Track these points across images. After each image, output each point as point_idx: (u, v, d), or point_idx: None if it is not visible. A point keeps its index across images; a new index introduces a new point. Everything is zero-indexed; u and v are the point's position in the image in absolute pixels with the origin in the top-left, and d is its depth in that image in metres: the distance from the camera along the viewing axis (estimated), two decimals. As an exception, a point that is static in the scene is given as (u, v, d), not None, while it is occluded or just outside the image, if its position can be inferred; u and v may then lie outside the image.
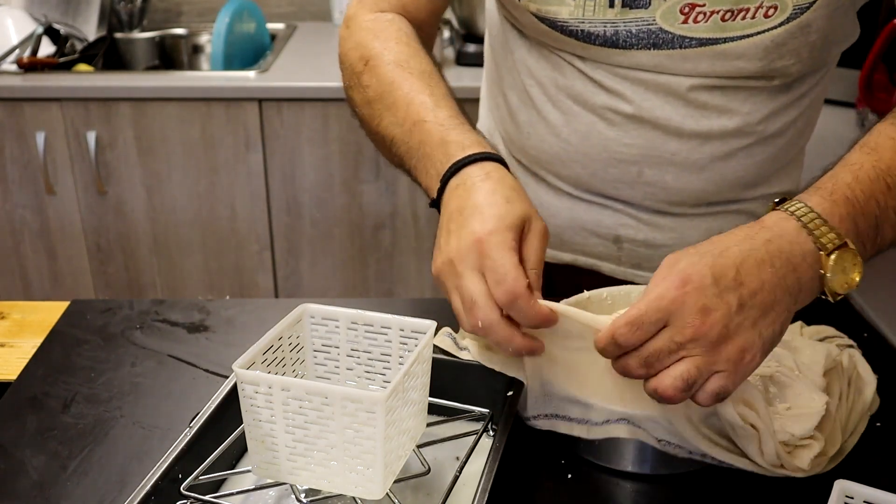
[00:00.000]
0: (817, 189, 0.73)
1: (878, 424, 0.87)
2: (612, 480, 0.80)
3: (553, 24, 0.90)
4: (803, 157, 1.06)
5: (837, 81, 1.86)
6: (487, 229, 0.71)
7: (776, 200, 0.73)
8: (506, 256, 0.70)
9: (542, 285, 0.74)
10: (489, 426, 0.81)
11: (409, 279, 2.36)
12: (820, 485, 0.76)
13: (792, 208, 0.71)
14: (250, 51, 2.40)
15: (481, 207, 0.73)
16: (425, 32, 1.00)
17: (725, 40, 0.86)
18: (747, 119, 0.92)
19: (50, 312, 1.07)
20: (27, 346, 1.01)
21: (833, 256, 0.69)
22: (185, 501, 0.69)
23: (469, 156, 0.78)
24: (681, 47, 0.87)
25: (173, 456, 0.71)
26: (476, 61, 2.15)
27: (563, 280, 0.99)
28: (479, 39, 2.18)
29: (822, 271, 0.69)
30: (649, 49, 0.88)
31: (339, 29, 1.02)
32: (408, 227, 2.28)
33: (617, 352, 0.68)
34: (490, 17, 1.07)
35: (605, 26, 0.88)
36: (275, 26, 2.59)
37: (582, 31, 0.89)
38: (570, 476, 0.80)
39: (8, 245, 2.29)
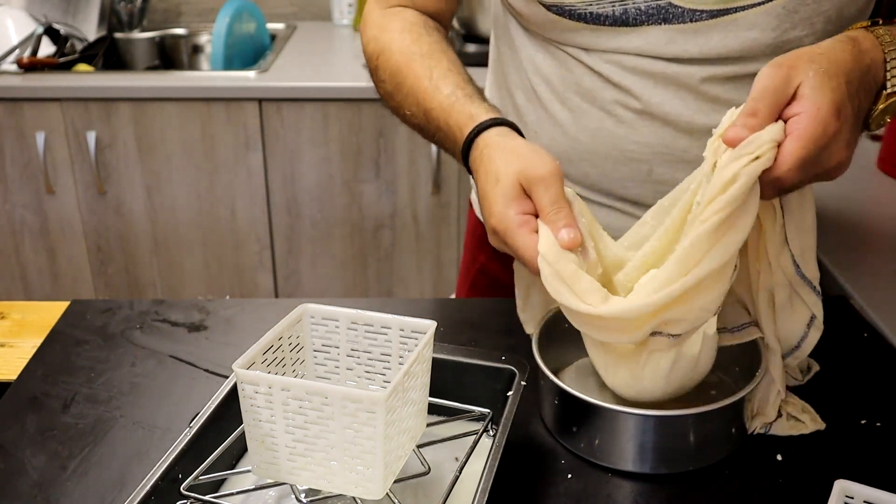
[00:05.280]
0: None
1: (879, 424, 0.87)
2: (612, 480, 0.80)
3: (561, 10, 0.90)
4: None
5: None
6: (495, 218, 0.79)
7: (872, 22, 0.79)
8: (516, 239, 0.77)
9: (569, 215, 0.77)
10: (489, 426, 0.81)
11: (409, 279, 2.36)
12: (820, 485, 0.76)
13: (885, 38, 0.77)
14: (250, 51, 2.40)
15: (484, 195, 0.81)
16: (440, 23, 1.04)
17: (736, 10, 0.86)
18: None
19: (50, 312, 1.07)
20: (27, 346, 1.01)
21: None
22: (185, 501, 0.69)
23: (467, 137, 0.85)
24: (691, 20, 0.86)
25: (173, 456, 0.71)
26: (476, 61, 2.13)
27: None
28: (479, 39, 2.18)
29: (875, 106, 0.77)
30: (660, 24, 0.87)
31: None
32: (408, 227, 2.28)
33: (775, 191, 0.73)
34: (495, 17, 1.07)
35: (613, 6, 0.87)
36: (275, 26, 2.59)
37: (590, 13, 0.88)
38: (570, 476, 0.80)
39: (8, 245, 2.29)
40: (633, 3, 0.87)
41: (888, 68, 0.76)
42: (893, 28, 0.79)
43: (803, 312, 0.82)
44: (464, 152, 0.86)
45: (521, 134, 0.85)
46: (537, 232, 0.77)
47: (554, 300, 0.83)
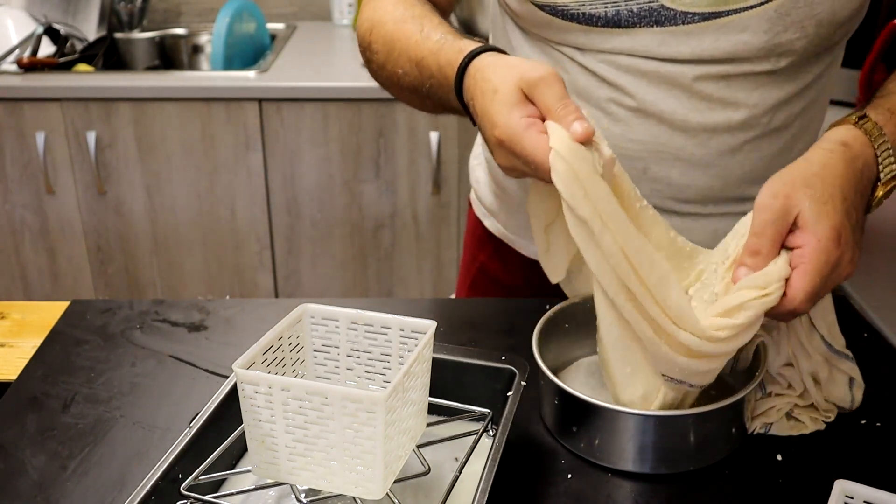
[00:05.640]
0: (889, 112, 0.82)
1: (879, 424, 0.87)
2: (612, 480, 0.80)
3: (554, 11, 0.90)
4: None
5: (837, 81, 1.85)
6: (500, 127, 0.76)
7: (859, 116, 0.81)
8: (525, 143, 0.74)
9: (578, 109, 0.76)
10: (489, 426, 0.81)
11: (409, 279, 2.36)
12: (820, 485, 0.76)
13: (874, 137, 0.80)
14: (250, 51, 2.40)
15: (484, 112, 0.78)
16: (440, 8, 1.01)
17: (728, 13, 0.86)
18: (753, 111, 0.92)
19: (50, 312, 1.07)
20: (27, 346, 1.01)
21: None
22: (185, 501, 0.69)
23: (458, 68, 0.82)
24: (683, 23, 0.87)
25: (173, 456, 0.71)
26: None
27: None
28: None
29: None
30: (652, 26, 0.87)
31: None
32: (408, 227, 2.28)
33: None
34: (493, 18, 1.07)
35: (605, 7, 0.88)
36: (275, 26, 2.59)
37: (583, 13, 0.89)
38: (570, 476, 0.81)
39: (8, 245, 2.29)
40: (626, 5, 0.87)
41: (880, 160, 0.80)
42: (879, 114, 0.82)
43: (843, 379, 0.87)
44: (457, 85, 0.83)
45: None
46: (545, 133, 0.74)
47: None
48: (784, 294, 0.73)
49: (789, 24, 0.86)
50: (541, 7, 0.91)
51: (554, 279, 0.87)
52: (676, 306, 0.73)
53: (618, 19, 0.88)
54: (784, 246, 0.75)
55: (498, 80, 0.77)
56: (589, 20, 0.89)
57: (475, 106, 0.80)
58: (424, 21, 0.91)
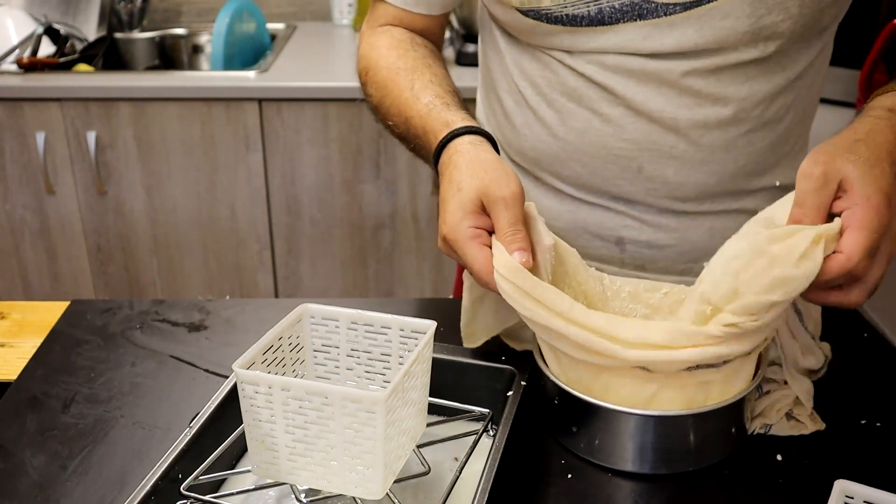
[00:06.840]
0: None
1: (879, 424, 0.87)
2: (612, 480, 0.80)
3: (538, 15, 0.91)
4: (806, 150, 1.06)
5: (837, 81, 1.85)
6: (448, 227, 0.80)
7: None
8: (466, 251, 0.78)
9: (525, 238, 0.78)
10: (489, 426, 0.81)
11: (409, 279, 2.36)
12: (820, 485, 0.76)
13: None
14: (250, 51, 2.40)
15: (444, 201, 0.82)
16: (429, 40, 1.06)
17: (709, 0, 0.86)
18: (743, 105, 0.92)
19: (50, 312, 1.07)
20: (27, 346, 1.01)
21: None
22: (185, 501, 0.69)
23: (439, 143, 0.87)
24: (666, 14, 0.87)
25: (173, 456, 0.71)
26: (475, 61, 2.15)
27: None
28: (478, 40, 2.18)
29: None
30: (635, 21, 0.88)
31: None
32: (408, 227, 2.28)
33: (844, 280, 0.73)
34: (481, 24, 1.08)
35: (587, 6, 0.88)
36: (275, 26, 2.59)
37: (566, 15, 0.90)
38: (570, 476, 0.81)
39: (8, 245, 2.29)
40: (608, 2, 0.88)
41: None
42: None
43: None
44: (435, 157, 0.87)
45: (495, 145, 0.87)
46: (487, 245, 0.79)
47: (506, 320, 0.87)
48: (838, 253, 0.71)
49: (772, 5, 0.86)
50: (525, 13, 0.91)
51: (467, 345, 0.90)
52: (671, 330, 0.73)
53: (601, 17, 0.89)
54: (832, 213, 0.73)
55: (465, 178, 0.81)
56: (573, 21, 0.90)
57: (441, 185, 0.84)
58: (416, 76, 0.96)
